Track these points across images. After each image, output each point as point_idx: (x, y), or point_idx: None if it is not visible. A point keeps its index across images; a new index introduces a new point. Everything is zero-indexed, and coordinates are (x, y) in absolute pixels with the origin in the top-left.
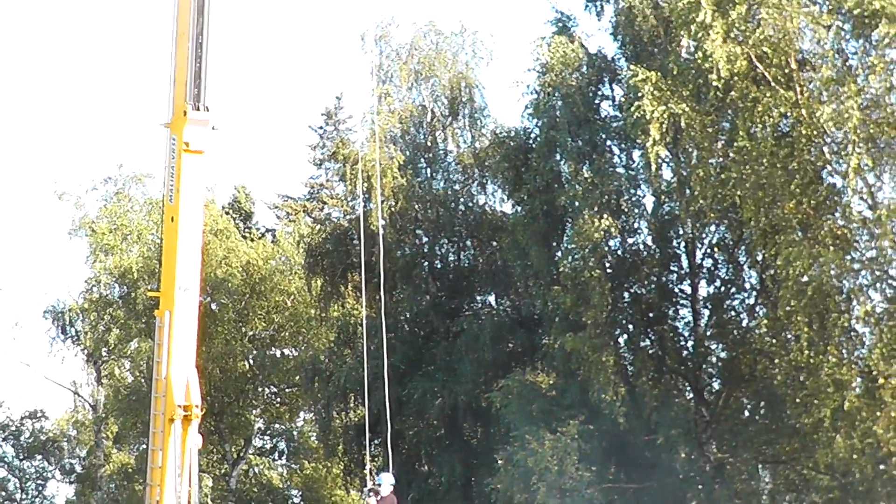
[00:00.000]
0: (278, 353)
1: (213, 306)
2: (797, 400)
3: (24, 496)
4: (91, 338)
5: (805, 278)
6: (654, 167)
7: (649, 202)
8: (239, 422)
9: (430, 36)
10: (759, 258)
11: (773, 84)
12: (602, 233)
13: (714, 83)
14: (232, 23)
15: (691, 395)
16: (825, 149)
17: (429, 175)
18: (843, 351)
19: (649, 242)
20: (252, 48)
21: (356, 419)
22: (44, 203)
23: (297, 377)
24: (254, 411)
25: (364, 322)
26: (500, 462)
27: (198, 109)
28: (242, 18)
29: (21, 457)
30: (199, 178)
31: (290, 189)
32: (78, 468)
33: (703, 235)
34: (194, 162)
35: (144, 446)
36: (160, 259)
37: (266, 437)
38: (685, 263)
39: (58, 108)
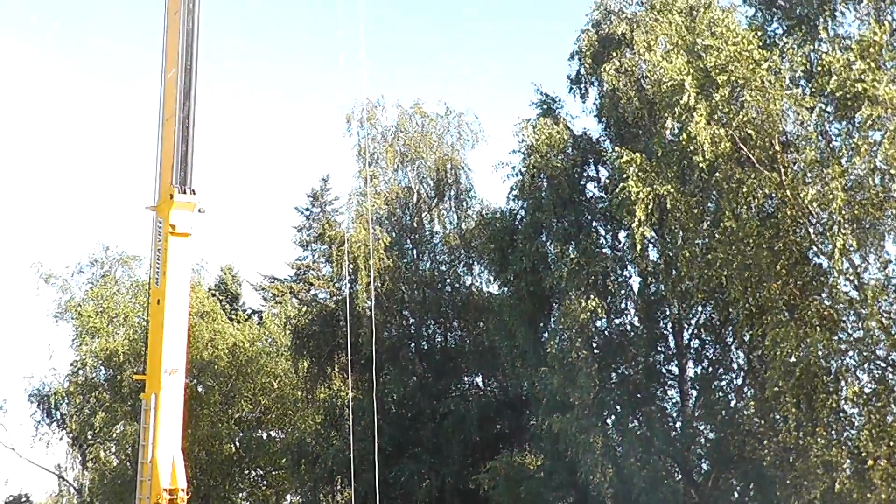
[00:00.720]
0: (265, 436)
1: (200, 388)
2: (787, 481)
3: None
4: (76, 421)
5: (792, 359)
6: (639, 248)
7: (636, 283)
8: None
9: (415, 118)
10: (747, 338)
11: (757, 165)
12: (589, 313)
13: (699, 164)
14: (218, 105)
15: (680, 477)
16: (810, 229)
17: (415, 256)
18: (832, 432)
19: (636, 323)
20: (238, 130)
21: (343, 501)
22: (28, 285)
23: (284, 459)
24: (240, 494)
25: (350, 404)
26: None
27: (184, 192)
28: (229, 101)
29: None
30: (185, 260)
31: (276, 270)
32: None
33: (690, 316)
34: (181, 245)
35: None
36: (146, 342)
37: None
38: (672, 344)
39: (43, 190)
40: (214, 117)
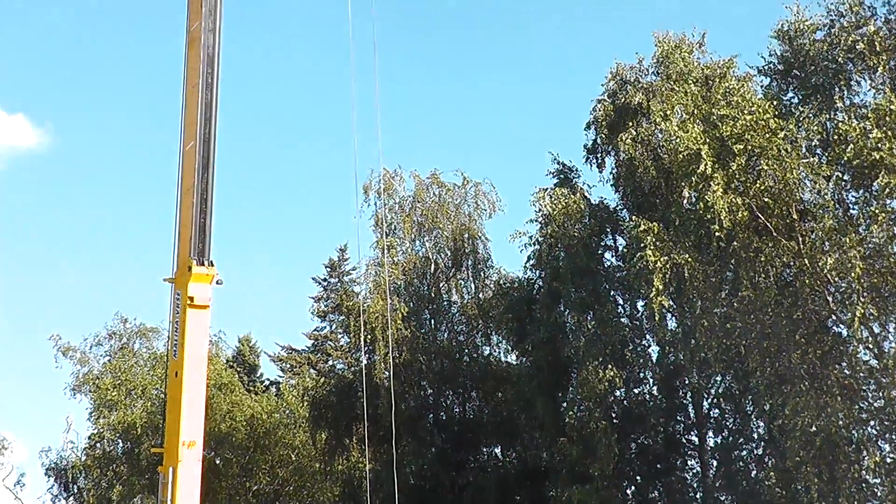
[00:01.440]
0: None
1: (217, 461)
2: None
3: None
4: (94, 495)
5: (813, 428)
6: (657, 317)
7: (654, 352)
8: None
9: (432, 188)
10: (767, 408)
11: (774, 234)
12: (607, 384)
13: (716, 233)
14: (237, 176)
15: None
16: (829, 298)
17: (433, 326)
18: (855, 502)
19: (655, 392)
20: (256, 201)
21: None
22: (47, 358)
23: None
24: None
25: (369, 475)
26: None
27: (202, 264)
28: (247, 171)
29: None
30: (203, 332)
31: (294, 341)
32: None
33: (709, 385)
34: (199, 316)
35: None
36: (164, 414)
37: None
38: (692, 414)
39: (62, 262)
40: (232, 188)
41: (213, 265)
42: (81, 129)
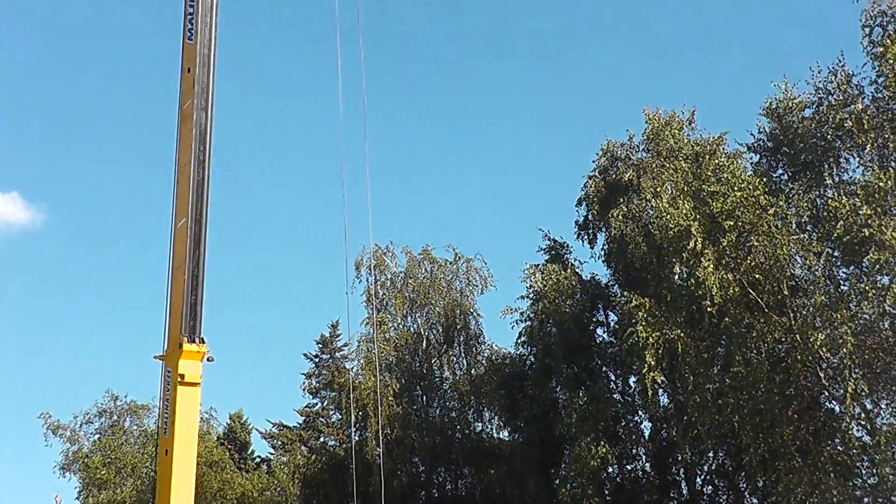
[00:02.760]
0: None
1: None
2: None
3: None
4: None
5: None
6: (650, 393)
7: (646, 428)
8: None
9: (424, 264)
10: (760, 484)
11: (766, 310)
12: (600, 460)
13: (707, 309)
14: (228, 252)
15: None
16: (821, 374)
17: (425, 402)
18: None
19: (648, 469)
20: (247, 277)
21: None
22: (36, 436)
23: None
24: None
25: None
26: None
27: (193, 342)
28: (239, 247)
29: None
30: (194, 409)
31: (285, 417)
32: None
33: (703, 462)
34: (190, 394)
35: None
36: (154, 492)
37: None
38: (685, 490)
39: (52, 340)
40: (224, 263)
41: (203, 342)
42: (75, 208)
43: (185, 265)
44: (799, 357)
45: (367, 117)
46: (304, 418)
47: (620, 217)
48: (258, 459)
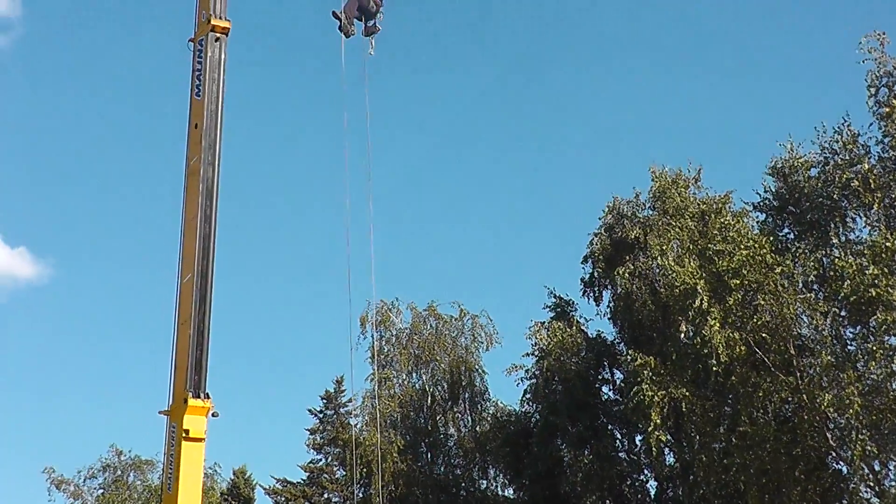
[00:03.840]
0: None
1: None
2: None
3: None
4: None
5: None
6: (655, 452)
7: (652, 487)
8: None
9: (429, 320)
10: None
11: (773, 369)
12: None
13: (714, 368)
14: (234, 307)
15: None
16: (829, 435)
17: (429, 459)
18: None
19: None
20: (252, 331)
21: None
22: (39, 491)
23: None
24: None
25: None
26: None
27: (198, 397)
28: (244, 302)
29: None
30: (198, 465)
31: (289, 473)
32: None
33: None
34: (194, 450)
35: None
36: None
37: None
38: None
39: (55, 393)
40: (229, 318)
41: (208, 398)
42: (82, 263)
43: (190, 320)
44: (806, 417)
45: (371, 172)
46: (308, 474)
47: (626, 275)
48: None
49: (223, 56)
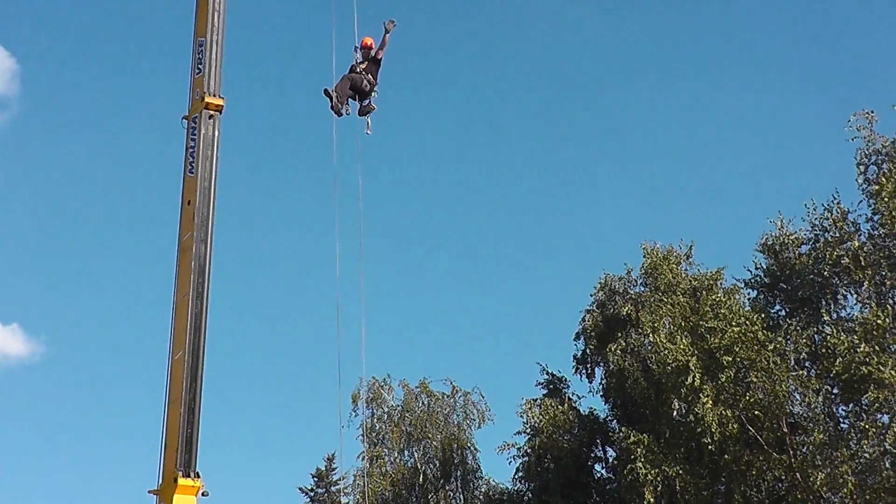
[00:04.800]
0: None
1: None
2: None
3: None
4: None
5: None
6: None
7: None
8: None
9: (421, 397)
10: None
11: (765, 447)
12: None
13: (707, 446)
14: (223, 384)
15: None
16: None
17: None
18: None
19: None
20: (242, 409)
21: None
22: None
23: None
24: None
25: None
26: None
27: (188, 476)
28: (234, 379)
29: None
30: None
31: None
32: None
33: None
34: None
35: None
36: None
37: None
38: None
39: (43, 470)
40: (219, 395)
41: (199, 477)
42: (73, 341)
43: (181, 398)
44: (799, 496)
45: (363, 251)
46: None
47: (618, 351)
48: None
49: (217, 133)
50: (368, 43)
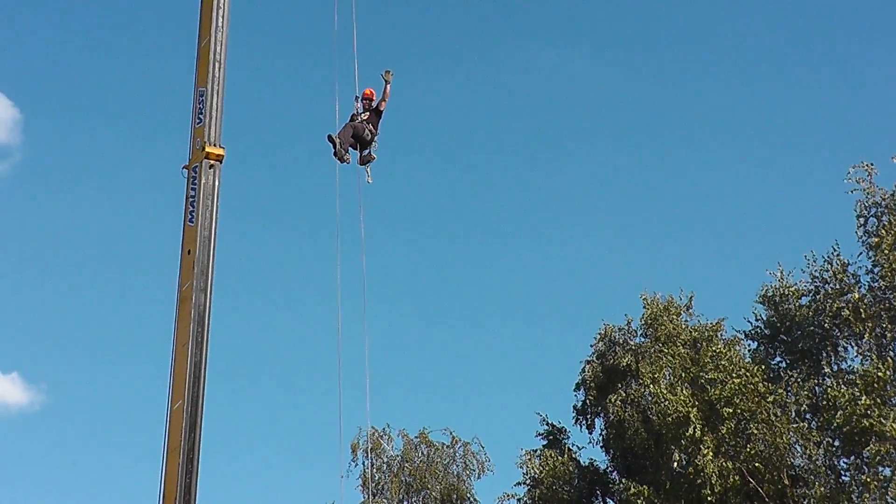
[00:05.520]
0: None
1: None
2: None
3: None
4: None
5: None
6: None
7: None
8: None
9: (421, 447)
10: None
11: (766, 499)
12: None
13: (708, 498)
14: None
15: None
16: None
17: None
18: None
19: None
20: (240, 456)
21: None
22: None
23: None
24: None
25: None
26: None
27: None
28: (231, 429)
29: None
30: None
31: None
32: None
33: None
34: None
35: None
36: None
37: None
38: None
39: None
40: (217, 444)
41: None
42: (73, 390)
43: (180, 447)
44: None
45: (365, 302)
46: None
47: (619, 402)
48: None
49: (217, 183)
50: (369, 94)
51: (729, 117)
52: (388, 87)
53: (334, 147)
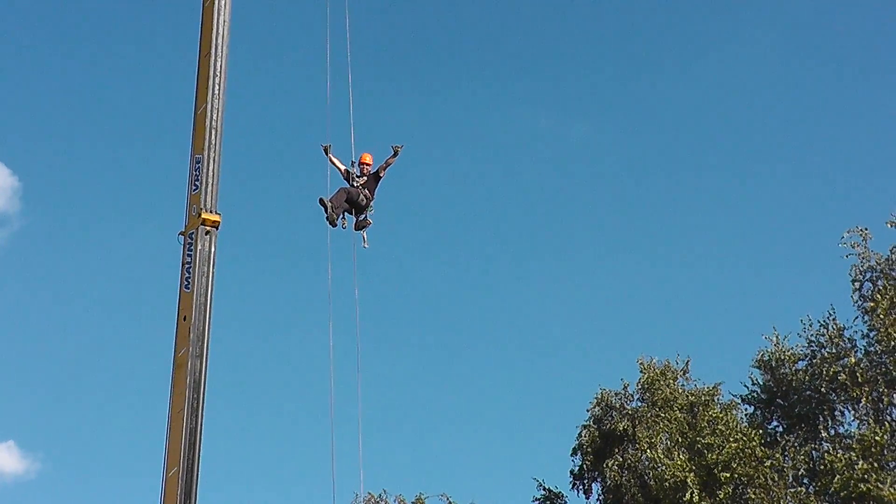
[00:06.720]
0: None
1: None
2: None
3: None
4: None
5: None
6: None
7: None
8: None
9: None
10: None
11: None
12: None
13: None
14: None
15: None
16: None
17: None
18: None
19: None
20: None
21: None
22: None
23: None
24: None
25: None
26: None
27: None
28: (225, 495)
29: None
30: None
31: None
32: None
33: None
34: None
35: None
36: None
37: None
38: None
39: None
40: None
41: None
42: (71, 458)
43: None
44: None
45: (360, 365)
46: None
47: (616, 467)
48: None
49: (213, 249)
50: (367, 160)
51: (725, 184)
52: (394, 158)
53: (326, 211)
